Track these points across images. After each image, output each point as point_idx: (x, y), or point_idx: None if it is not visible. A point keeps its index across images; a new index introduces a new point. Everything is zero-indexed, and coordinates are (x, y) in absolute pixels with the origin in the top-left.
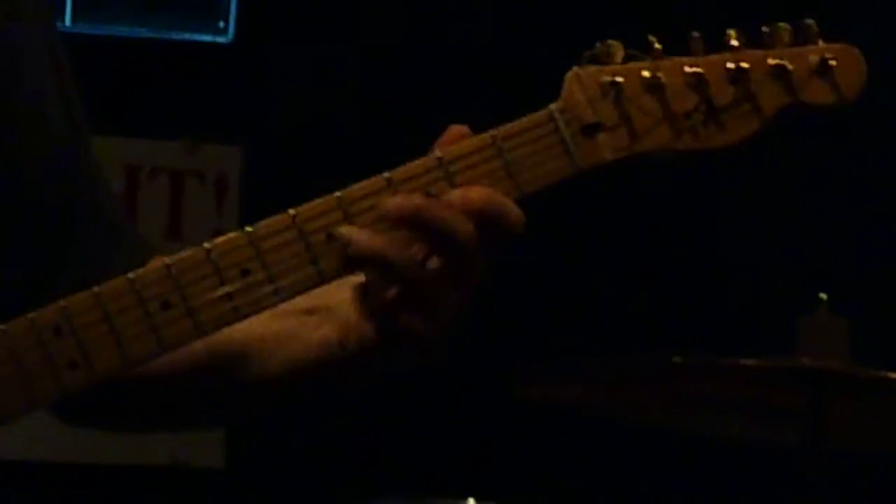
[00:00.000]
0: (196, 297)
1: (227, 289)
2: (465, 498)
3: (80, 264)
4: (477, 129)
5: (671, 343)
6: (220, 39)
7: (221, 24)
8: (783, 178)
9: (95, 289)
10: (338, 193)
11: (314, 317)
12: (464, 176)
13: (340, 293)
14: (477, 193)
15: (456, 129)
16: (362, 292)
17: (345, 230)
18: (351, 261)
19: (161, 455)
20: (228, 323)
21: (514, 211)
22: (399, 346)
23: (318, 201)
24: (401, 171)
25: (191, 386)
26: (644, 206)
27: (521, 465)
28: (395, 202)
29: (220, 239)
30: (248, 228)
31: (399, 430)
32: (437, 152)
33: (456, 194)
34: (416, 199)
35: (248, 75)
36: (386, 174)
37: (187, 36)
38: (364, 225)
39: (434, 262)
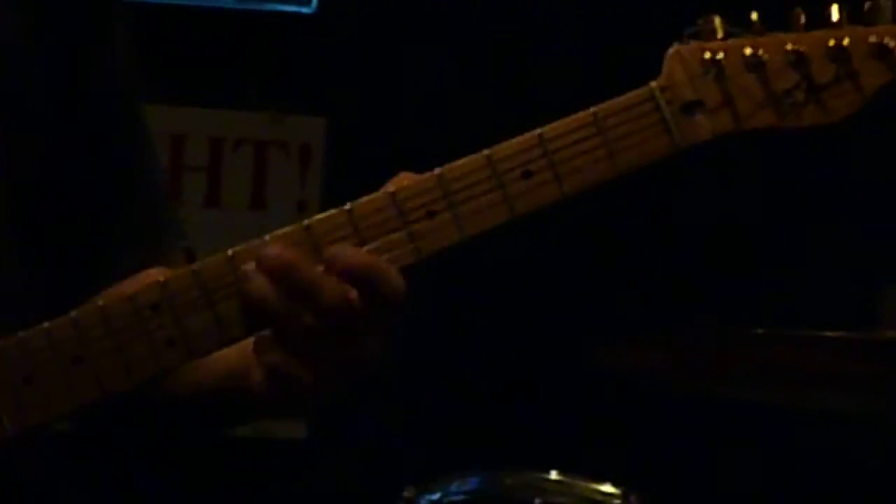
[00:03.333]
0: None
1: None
2: (548, 470)
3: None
4: (578, 103)
5: (753, 314)
6: (304, 10)
7: None
8: (869, 151)
9: (195, 266)
10: (438, 171)
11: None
12: (564, 153)
13: None
14: (354, 257)
15: (405, 175)
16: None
17: (246, 269)
18: (243, 302)
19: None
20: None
21: (393, 279)
22: (284, 395)
23: (417, 180)
24: (500, 150)
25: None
26: (727, 175)
27: (600, 436)
28: (272, 252)
29: (319, 216)
30: (347, 206)
31: (479, 402)
32: (538, 129)
33: (332, 253)
34: (289, 255)
35: (332, 45)
36: (486, 152)
37: (271, 6)
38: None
39: (311, 320)
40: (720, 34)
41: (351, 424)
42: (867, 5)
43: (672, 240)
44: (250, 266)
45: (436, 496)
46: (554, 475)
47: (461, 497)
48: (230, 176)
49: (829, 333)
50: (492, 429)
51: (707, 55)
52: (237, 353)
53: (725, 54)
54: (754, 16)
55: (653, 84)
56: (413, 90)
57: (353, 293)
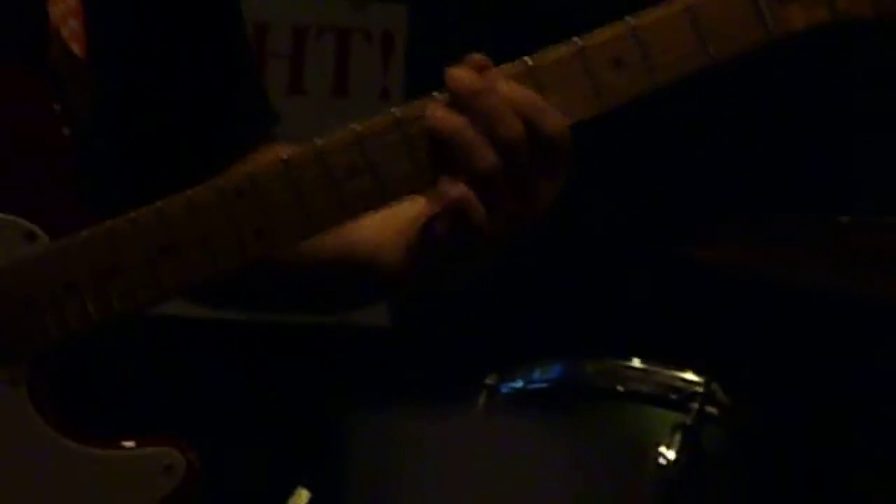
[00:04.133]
0: (384, 165)
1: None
2: (630, 358)
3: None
4: None
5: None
6: None
7: None
8: None
9: (283, 155)
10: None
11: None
12: (656, 47)
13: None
14: (522, 92)
15: (477, 58)
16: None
17: (429, 104)
18: (429, 133)
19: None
20: (415, 191)
21: (555, 119)
22: (459, 242)
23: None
24: (593, 38)
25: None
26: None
27: (683, 326)
28: (461, 80)
29: (408, 107)
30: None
31: (561, 289)
32: (629, 18)
33: (506, 88)
34: (477, 83)
35: None
36: (578, 41)
37: None
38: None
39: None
40: None
41: (433, 311)
42: None
43: (757, 130)
44: (436, 106)
45: (518, 383)
46: (636, 363)
47: (543, 384)
48: (313, 64)
49: None
50: (574, 317)
51: None
52: (393, 227)
53: None
54: None
55: None
56: None
57: (522, 127)
